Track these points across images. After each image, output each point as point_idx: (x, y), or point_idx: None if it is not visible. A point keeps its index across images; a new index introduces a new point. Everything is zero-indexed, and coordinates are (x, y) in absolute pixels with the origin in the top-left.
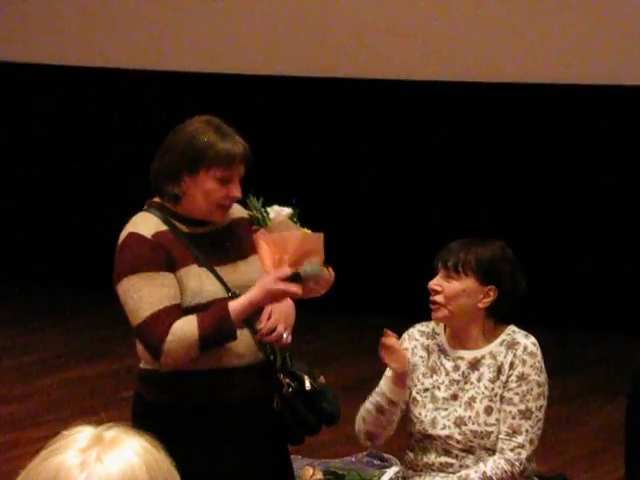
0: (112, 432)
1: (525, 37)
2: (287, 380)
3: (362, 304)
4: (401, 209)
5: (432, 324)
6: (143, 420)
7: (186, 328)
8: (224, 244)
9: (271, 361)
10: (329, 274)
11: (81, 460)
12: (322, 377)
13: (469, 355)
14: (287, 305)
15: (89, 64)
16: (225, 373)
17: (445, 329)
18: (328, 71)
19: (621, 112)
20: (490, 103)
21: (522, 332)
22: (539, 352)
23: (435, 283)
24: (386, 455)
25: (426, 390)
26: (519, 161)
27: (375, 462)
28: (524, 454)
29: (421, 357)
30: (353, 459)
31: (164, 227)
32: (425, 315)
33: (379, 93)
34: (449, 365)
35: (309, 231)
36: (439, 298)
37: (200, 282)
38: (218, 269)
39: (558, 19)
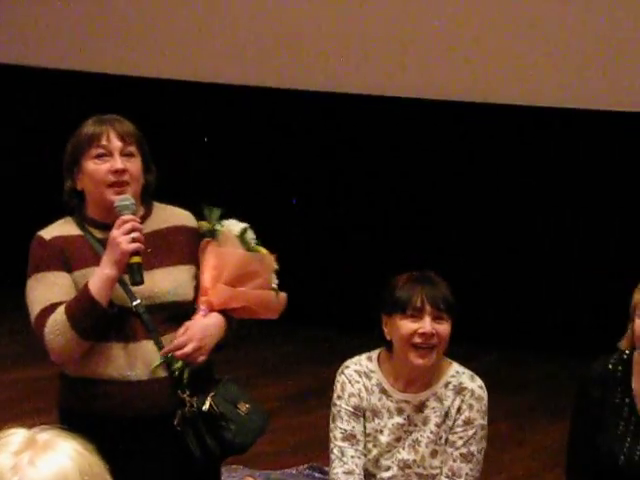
0: (45, 435)
1: (525, 59)
2: (191, 399)
3: (306, 315)
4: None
5: (364, 361)
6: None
7: (57, 316)
8: (145, 250)
9: (175, 377)
10: (279, 299)
11: (13, 463)
12: (246, 405)
13: (415, 399)
14: (210, 324)
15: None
16: (121, 384)
17: (380, 366)
18: (309, 84)
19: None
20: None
21: (467, 373)
22: (485, 395)
23: (431, 327)
24: (326, 468)
25: (368, 435)
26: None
27: (316, 475)
28: None
29: (366, 400)
30: (294, 471)
31: (76, 232)
32: (364, 327)
33: (347, 107)
34: (392, 407)
35: (264, 251)
36: (434, 341)
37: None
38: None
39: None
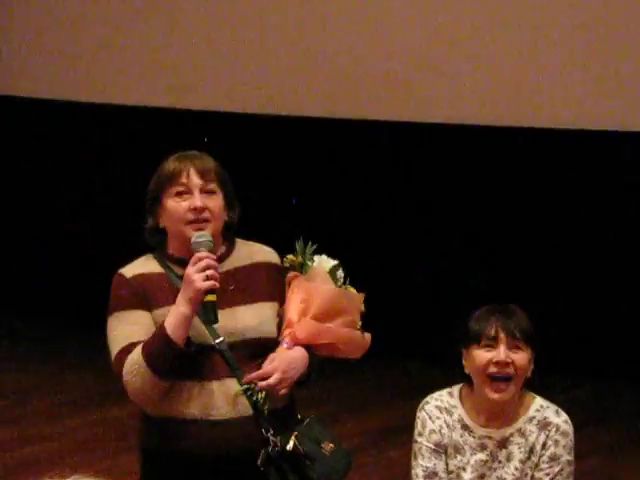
0: None
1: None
2: (275, 438)
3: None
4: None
5: (445, 397)
6: (140, 465)
7: (134, 356)
8: (227, 287)
9: (255, 408)
10: (364, 338)
11: None
12: (330, 445)
13: (498, 435)
14: (294, 357)
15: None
16: (203, 423)
17: (462, 402)
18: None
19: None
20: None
21: (551, 407)
22: (571, 430)
23: (507, 356)
24: None
25: (451, 472)
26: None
27: None
28: None
29: (448, 437)
30: None
31: (157, 269)
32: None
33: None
34: (475, 444)
35: (352, 289)
36: (511, 371)
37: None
38: None
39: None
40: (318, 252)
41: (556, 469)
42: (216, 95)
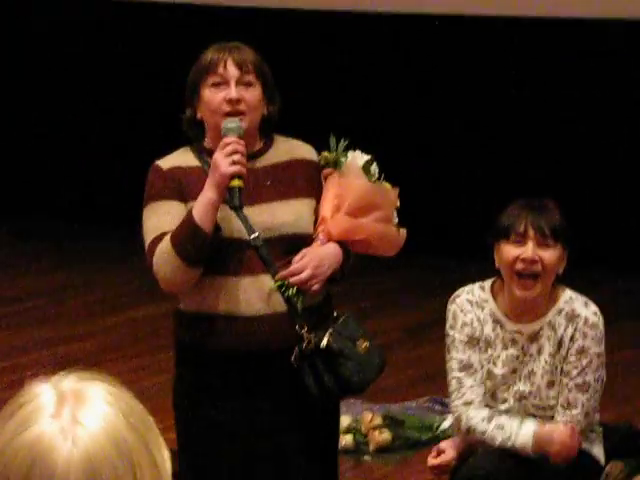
0: (69, 384)
1: None
2: (309, 335)
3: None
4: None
5: (477, 291)
6: (175, 361)
7: (164, 244)
8: (264, 182)
9: (290, 306)
10: (399, 234)
11: (60, 427)
12: (365, 343)
13: (528, 329)
14: (327, 253)
15: None
16: (237, 319)
17: (494, 296)
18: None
19: None
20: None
21: (580, 298)
22: (601, 322)
23: (534, 252)
24: (447, 400)
25: (482, 366)
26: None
27: (436, 407)
28: (578, 427)
29: (480, 330)
30: (414, 404)
31: (194, 162)
32: (477, 255)
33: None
34: (507, 338)
35: (387, 184)
36: (537, 268)
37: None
38: (247, 208)
39: None
40: (352, 148)
41: (584, 362)
42: None
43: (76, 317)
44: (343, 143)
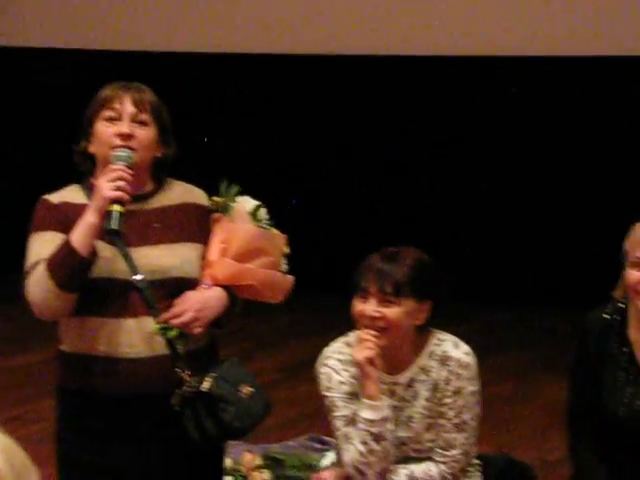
0: None
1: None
2: (190, 378)
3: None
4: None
5: (345, 349)
6: (56, 404)
7: (39, 267)
8: (153, 225)
9: (174, 352)
10: (286, 280)
11: None
12: (248, 388)
13: (404, 379)
14: (210, 297)
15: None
16: (118, 361)
17: None
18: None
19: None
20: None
21: (450, 339)
22: (473, 361)
23: (374, 310)
24: (326, 438)
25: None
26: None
27: (315, 445)
28: (458, 466)
29: (352, 384)
30: (293, 443)
31: (82, 200)
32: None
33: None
34: (384, 390)
35: (275, 230)
36: (381, 324)
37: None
38: (132, 249)
39: None
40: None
41: (460, 402)
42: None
43: None
44: (234, 189)
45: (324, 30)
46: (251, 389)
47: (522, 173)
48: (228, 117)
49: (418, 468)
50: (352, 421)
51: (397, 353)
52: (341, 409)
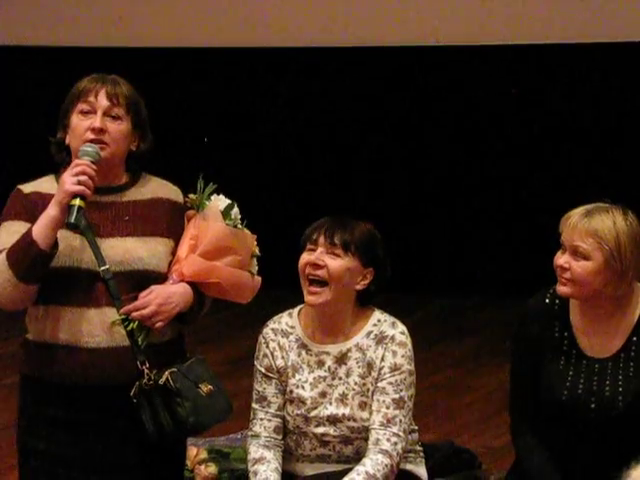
0: None
1: None
2: (150, 371)
3: None
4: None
5: (285, 318)
6: (19, 393)
7: (1, 256)
8: (123, 217)
9: (134, 345)
10: (253, 281)
11: None
12: (209, 386)
13: (334, 349)
14: (174, 292)
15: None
16: (78, 351)
17: (301, 321)
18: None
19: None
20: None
21: (388, 319)
22: (409, 341)
23: (318, 257)
24: None
25: (291, 392)
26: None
27: None
28: (400, 444)
29: (282, 358)
30: (238, 436)
31: (55, 190)
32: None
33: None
34: (312, 361)
35: (246, 230)
36: (323, 273)
37: (63, 246)
38: (101, 240)
39: None
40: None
41: (398, 377)
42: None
43: None
44: (210, 188)
45: (312, 23)
46: (211, 387)
47: (473, 166)
48: (215, 113)
49: (366, 465)
50: (261, 399)
51: (334, 320)
52: (257, 383)
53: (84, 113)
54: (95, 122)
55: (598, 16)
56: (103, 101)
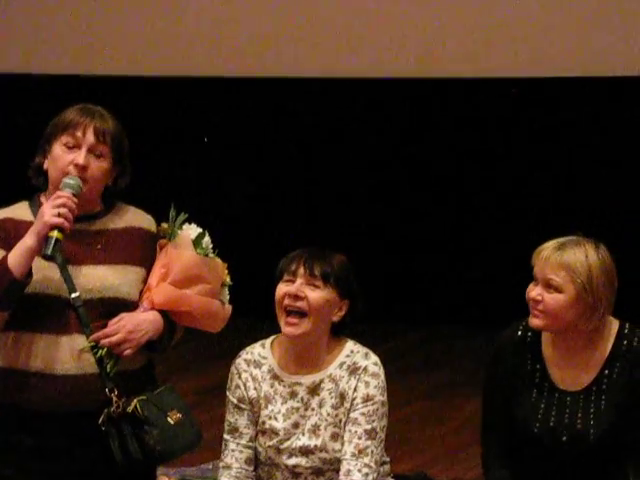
0: None
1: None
2: (119, 399)
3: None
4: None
5: (257, 349)
6: None
7: None
8: (95, 245)
9: (103, 372)
10: (224, 309)
11: None
12: (178, 415)
13: (307, 380)
14: (144, 320)
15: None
16: (47, 378)
17: (274, 352)
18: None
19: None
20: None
21: (361, 350)
22: (381, 372)
23: (298, 289)
24: None
25: (263, 423)
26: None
27: None
28: (371, 476)
29: (255, 389)
30: (210, 466)
31: (28, 218)
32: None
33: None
34: (285, 392)
35: (217, 259)
36: (303, 305)
37: (36, 272)
38: (74, 267)
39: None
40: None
41: (371, 408)
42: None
43: None
44: (182, 217)
45: (302, 52)
46: (180, 416)
47: (452, 195)
48: (189, 141)
49: None
50: (233, 430)
51: (309, 351)
52: (229, 414)
53: (69, 147)
54: (79, 159)
55: None
56: (90, 138)
